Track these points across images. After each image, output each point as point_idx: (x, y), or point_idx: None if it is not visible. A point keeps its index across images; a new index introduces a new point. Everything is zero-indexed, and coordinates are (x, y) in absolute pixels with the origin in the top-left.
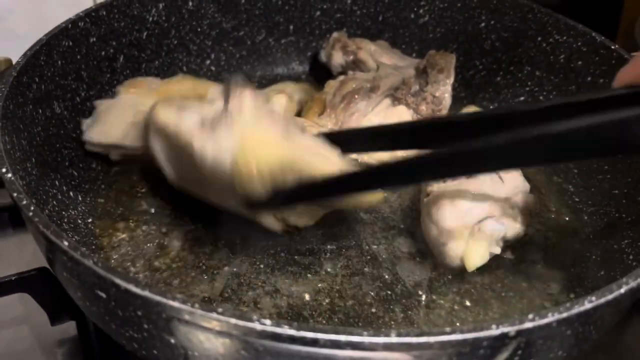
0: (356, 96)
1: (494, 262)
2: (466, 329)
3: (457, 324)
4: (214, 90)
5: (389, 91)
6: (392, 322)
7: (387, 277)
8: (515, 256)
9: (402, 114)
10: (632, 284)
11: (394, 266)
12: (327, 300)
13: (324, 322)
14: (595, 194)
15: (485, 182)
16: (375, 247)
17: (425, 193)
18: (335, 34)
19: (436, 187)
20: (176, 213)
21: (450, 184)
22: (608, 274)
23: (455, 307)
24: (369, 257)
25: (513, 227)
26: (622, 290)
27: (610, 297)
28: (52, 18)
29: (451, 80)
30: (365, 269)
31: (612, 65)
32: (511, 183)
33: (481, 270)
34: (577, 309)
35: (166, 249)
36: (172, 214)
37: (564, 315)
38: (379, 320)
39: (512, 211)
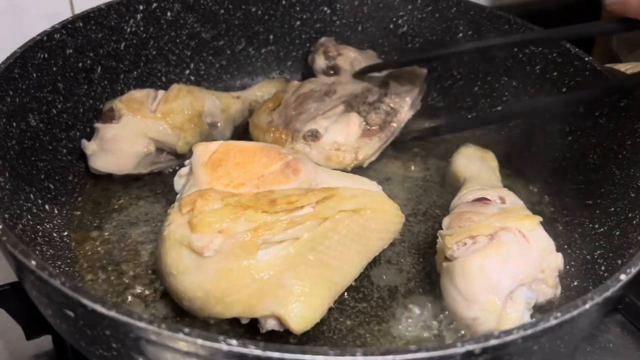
0: (310, 98)
1: None
2: (432, 347)
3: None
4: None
5: (346, 97)
6: (368, 336)
7: (364, 286)
8: None
9: (351, 121)
10: (597, 299)
11: (371, 275)
12: None
13: (302, 335)
14: (569, 205)
15: (512, 245)
16: None
17: (443, 256)
18: (322, 39)
19: (457, 251)
20: (152, 224)
21: (474, 248)
22: (581, 285)
23: (431, 319)
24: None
25: (545, 292)
26: (587, 306)
27: (575, 312)
28: (31, 30)
29: (414, 95)
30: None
31: (585, 76)
32: (538, 244)
33: None
34: (542, 326)
35: (142, 259)
36: (149, 224)
37: (529, 332)
38: (353, 332)
39: (543, 275)
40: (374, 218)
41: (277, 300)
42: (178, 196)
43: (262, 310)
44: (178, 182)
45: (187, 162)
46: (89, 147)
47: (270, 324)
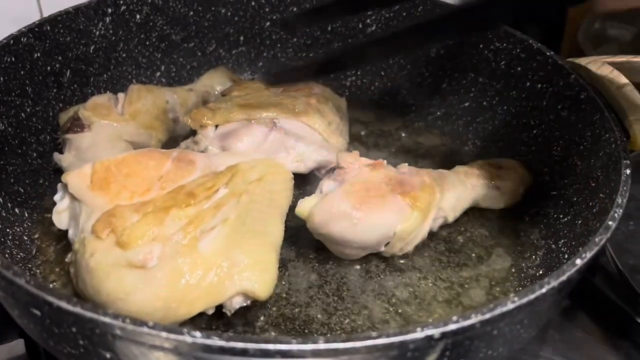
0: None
1: (434, 262)
2: (392, 333)
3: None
4: None
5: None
6: (337, 328)
7: (332, 283)
8: (457, 256)
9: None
10: (553, 283)
11: (341, 272)
12: (274, 309)
13: (271, 329)
14: (535, 196)
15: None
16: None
17: None
18: None
19: None
20: None
21: None
22: (546, 274)
23: (399, 310)
24: (316, 264)
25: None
26: (544, 290)
27: (532, 296)
28: (1, 35)
29: None
30: (312, 276)
31: (548, 70)
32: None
33: (422, 269)
34: (499, 310)
35: None
36: None
37: (487, 316)
38: (324, 327)
39: None
40: (274, 181)
41: (236, 278)
42: (71, 231)
43: (227, 293)
44: (60, 219)
45: (57, 197)
46: (65, 159)
47: (237, 302)
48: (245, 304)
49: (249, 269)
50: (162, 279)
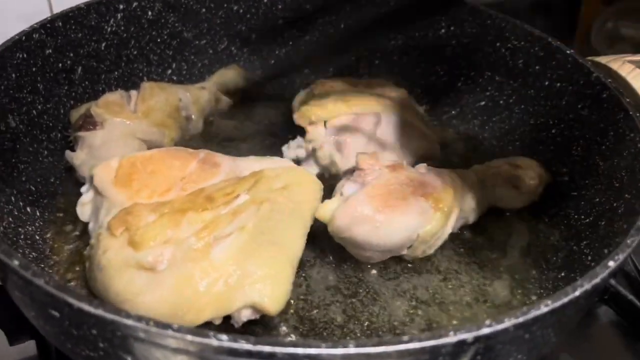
0: None
1: (453, 264)
2: (424, 337)
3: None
4: None
5: None
6: (357, 331)
7: (351, 284)
8: (476, 257)
9: None
10: (587, 286)
11: (358, 273)
12: (292, 311)
13: (291, 331)
14: (555, 196)
15: None
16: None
17: None
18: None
19: None
20: None
21: None
22: (568, 276)
23: (419, 312)
24: (334, 265)
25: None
26: (577, 293)
27: (565, 300)
28: (8, 30)
29: None
30: (330, 277)
31: (567, 69)
32: None
33: (441, 270)
34: (533, 313)
35: None
36: None
37: (520, 319)
38: (342, 329)
39: None
40: (300, 191)
41: (246, 289)
42: (92, 224)
43: (236, 304)
44: (82, 211)
45: (83, 188)
46: (77, 156)
47: (245, 315)
48: (254, 318)
49: (260, 281)
50: (170, 284)
